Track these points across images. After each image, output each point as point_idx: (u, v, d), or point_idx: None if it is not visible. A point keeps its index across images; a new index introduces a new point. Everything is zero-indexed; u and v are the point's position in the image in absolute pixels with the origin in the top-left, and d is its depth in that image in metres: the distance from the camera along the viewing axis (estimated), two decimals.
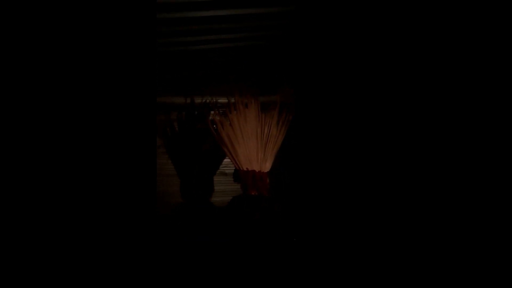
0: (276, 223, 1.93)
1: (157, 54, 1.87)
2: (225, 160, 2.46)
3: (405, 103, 1.32)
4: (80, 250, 0.92)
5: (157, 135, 2.26)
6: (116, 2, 0.98)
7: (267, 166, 2.06)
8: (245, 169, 2.01)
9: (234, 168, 2.14)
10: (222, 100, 2.30)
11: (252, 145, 2.02)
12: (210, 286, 1.93)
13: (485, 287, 0.96)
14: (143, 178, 0.99)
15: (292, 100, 2.19)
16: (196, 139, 2.34)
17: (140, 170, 0.99)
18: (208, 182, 2.39)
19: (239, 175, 2.04)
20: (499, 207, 0.95)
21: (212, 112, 2.10)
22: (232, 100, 2.07)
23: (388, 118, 1.42)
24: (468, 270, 1.01)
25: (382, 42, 1.44)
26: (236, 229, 1.92)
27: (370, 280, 1.46)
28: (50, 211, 0.90)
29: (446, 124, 1.11)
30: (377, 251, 1.44)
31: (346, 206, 1.81)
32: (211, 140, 2.20)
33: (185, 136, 2.38)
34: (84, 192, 0.94)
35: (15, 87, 0.90)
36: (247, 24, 1.72)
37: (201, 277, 2.01)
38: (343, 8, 1.42)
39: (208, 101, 2.36)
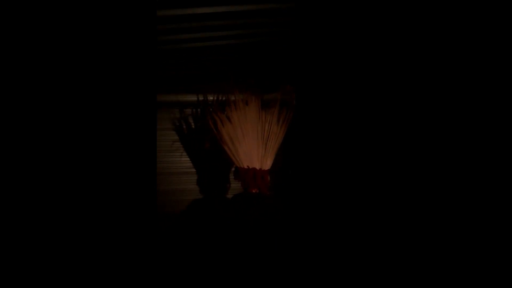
0: (277, 221, 1.92)
1: (157, 52, 1.86)
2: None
3: (405, 101, 1.31)
4: (80, 250, 0.92)
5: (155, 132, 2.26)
6: (116, 0, 0.97)
7: (268, 164, 2.05)
8: (245, 167, 2.01)
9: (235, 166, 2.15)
10: (223, 97, 2.30)
11: (253, 143, 2.02)
12: (211, 286, 1.93)
13: (485, 287, 0.96)
14: (144, 177, 0.99)
15: (292, 98, 2.19)
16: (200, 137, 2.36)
17: (140, 169, 0.99)
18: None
19: (239, 173, 2.04)
20: (499, 207, 0.94)
21: (212, 110, 2.10)
22: (233, 98, 2.06)
23: (388, 116, 1.42)
24: (468, 270, 1.01)
25: (382, 41, 1.43)
26: (237, 227, 1.92)
27: (370, 280, 1.46)
28: (50, 210, 0.90)
29: (446, 123, 1.11)
30: (377, 250, 1.44)
31: (346, 204, 1.80)
32: (211, 137, 2.20)
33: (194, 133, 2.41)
34: (84, 191, 0.93)
35: (15, 86, 0.90)
36: (247, 21, 1.71)
37: (201, 277, 2.01)
38: (344, 6, 1.41)
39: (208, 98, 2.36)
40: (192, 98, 2.39)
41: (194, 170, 2.52)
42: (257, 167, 2.02)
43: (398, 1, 1.24)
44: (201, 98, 2.40)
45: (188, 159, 2.51)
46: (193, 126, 2.50)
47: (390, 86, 1.42)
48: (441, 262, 1.10)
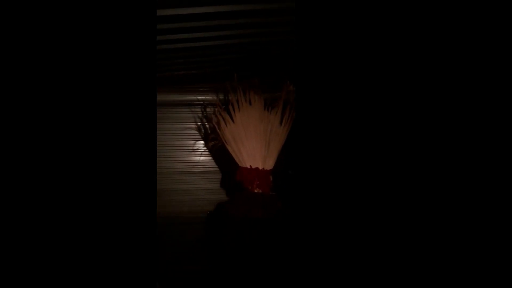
0: (279, 221, 1.91)
1: (157, 52, 1.86)
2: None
3: (406, 101, 1.30)
4: (78, 250, 0.91)
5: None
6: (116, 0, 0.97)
7: (270, 164, 2.04)
8: (248, 166, 2.00)
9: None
10: (226, 97, 2.29)
11: (256, 142, 2.01)
12: (212, 286, 1.92)
13: (485, 287, 0.96)
14: (144, 177, 0.98)
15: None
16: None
17: (140, 169, 0.98)
18: None
19: (242, 173, 2.03)
20: (499, 207, 0.94)
21: (215, 109, 2.09)
22: (236, 98, 2.05)
23: (390, 116, 1.41)
24: (468, 270, 1.01)
25: (383, 40, 1.42)
26: (239, 227, 1.91)
27: (370, 280, 1.45)
28: (48, 210, 0.89)
29: (447, 123, 1.11)
30: (378, 250, 1.42)
31: (347, 204, 1.79)
32: (213, 137, 2.20)
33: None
34: (83, 191, 0.93)
35: (13, 85, 0.89)
36: (250, 21, 1.70)
37: (202, 277, 2.00)
38: (344, 5, 1.40)
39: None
40: (193, 97, 2.38)
41: (194, 170, 2.51)
42: (260, 167, 2.01)
43: (398, 1, 1.24)
44: (203, 97, 2.39)
45: (189, 159, 2.50)
46: (194, 126, 2.49)
47: (391, 85, 1.41)
48: (442, 266, 1.10)
